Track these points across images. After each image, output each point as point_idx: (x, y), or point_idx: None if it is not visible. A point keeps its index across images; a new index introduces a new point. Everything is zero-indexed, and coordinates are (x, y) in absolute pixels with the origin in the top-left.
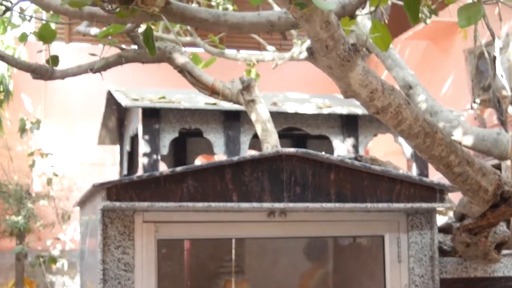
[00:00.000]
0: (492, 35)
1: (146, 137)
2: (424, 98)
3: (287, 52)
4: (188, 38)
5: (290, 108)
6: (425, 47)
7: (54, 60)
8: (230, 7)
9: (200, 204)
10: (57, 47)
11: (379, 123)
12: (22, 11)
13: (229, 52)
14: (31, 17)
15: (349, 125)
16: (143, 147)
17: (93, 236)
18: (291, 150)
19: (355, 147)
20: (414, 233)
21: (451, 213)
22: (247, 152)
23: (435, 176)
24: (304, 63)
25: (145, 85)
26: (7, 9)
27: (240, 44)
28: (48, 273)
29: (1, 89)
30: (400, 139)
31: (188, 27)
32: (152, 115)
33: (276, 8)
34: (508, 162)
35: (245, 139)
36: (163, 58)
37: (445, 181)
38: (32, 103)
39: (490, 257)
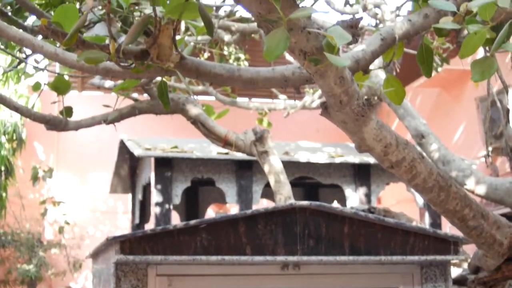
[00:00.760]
0: (506, 87)
1: (159, 186)
2: (436, 147)
3: (299, 99)
4: (200, 87)
5: (302, 157)
6: (437, 95)
7: (68, 111)
8: (242, 56)
9: (213, 258)
10: (69, 96)
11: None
12: (36, 62)
13: (241, 100)
14: (44, 68)
15: (362, 174)
16: (156, 197)
17: None
18: (305, 203)
19: (368, 196)
20: (429, 285)
21: (465, 265)
22: (260, 201)
23: (448, 225)
24: (316, 112)
25: (157, 134)
26: (21, 61)
27: (252, 93)
28: None
29: (14, 138)
30: None
31: None
32: (164, 164)
33: (288, 57)
34: None
35: (257, 189)
36: (176, 109)
37: (459, 231)
38: (45, 151)
39: None
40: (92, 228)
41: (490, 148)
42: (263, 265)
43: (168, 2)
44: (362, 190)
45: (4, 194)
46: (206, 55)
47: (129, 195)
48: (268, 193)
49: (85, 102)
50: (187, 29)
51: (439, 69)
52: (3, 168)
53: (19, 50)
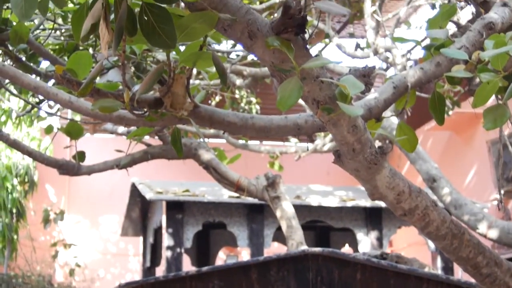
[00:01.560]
0: None
1: (170, 230)
2: (448, 191)
3: (310, 142)
4: (211, 131)
5: (313, 201)
6: (448, 138)
7: (80, 156)
8: (253, 100)
9: None
10: (82, 138)
11: None
12: (50, 107)
13: (252, 143)
14: (56, 113)
15: (373, 217)
16: (167, 240)
17: None
18: (317, 249)
19: (379, 239)
20: None
21: None
22: (271, 245)
23: (460, 269)
24: (327, 154)
25: (169, 177)
26: (33, 106)
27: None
28: None
29: (26, 180)
30: None
31: None
32: (176, 208)
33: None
34: None
35: (268, 232)
36: (188, 154)
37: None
38: (56, 194)
39: None
40: (102, 270)
41: (502, 191)
42: None
43: (181, 49)
44: (373, 234)
45: (15, 237)
46: (217, 98)
47: (140, 238)
48: (279, 236)
49: (97, 145)
50: (198, 72)
51: (450, 112)
52: (14, 211)
53: (32, 95)
